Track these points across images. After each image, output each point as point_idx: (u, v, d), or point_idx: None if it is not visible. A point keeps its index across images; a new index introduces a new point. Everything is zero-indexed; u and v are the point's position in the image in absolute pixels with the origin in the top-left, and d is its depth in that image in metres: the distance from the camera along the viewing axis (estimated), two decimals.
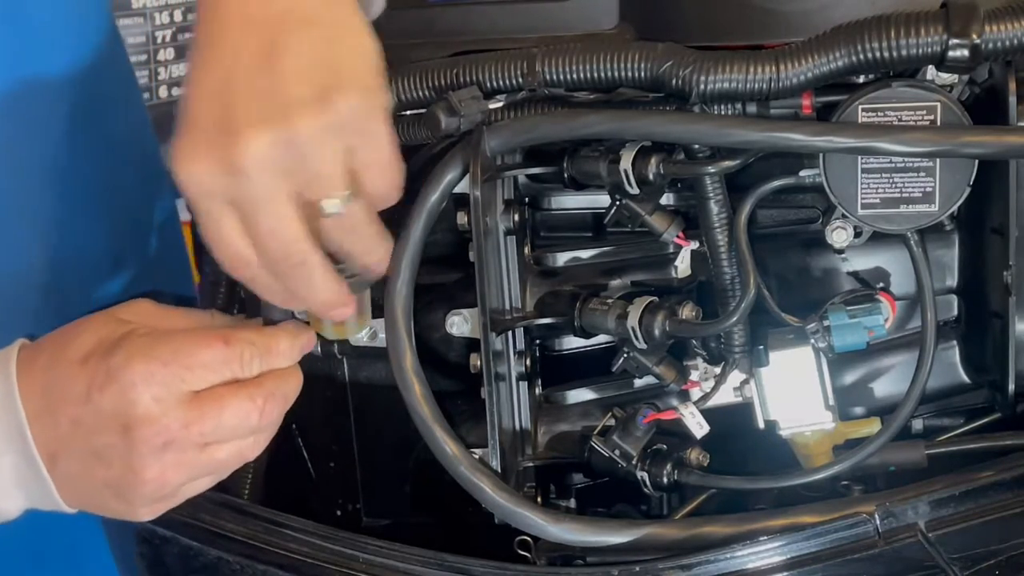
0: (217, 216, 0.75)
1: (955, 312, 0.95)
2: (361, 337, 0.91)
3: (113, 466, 0.78)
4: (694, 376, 0.93)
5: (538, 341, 0.97)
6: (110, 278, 1.02)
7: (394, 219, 0.82)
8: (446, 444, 0.85)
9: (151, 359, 0.77)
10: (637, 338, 0.89)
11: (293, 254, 0.76)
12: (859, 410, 0.94)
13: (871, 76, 0.85)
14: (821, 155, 0.85)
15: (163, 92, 2.11)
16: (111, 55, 1.02)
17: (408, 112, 0.91)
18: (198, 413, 0.77)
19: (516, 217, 0.91)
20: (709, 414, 0.91)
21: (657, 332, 0.88)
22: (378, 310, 0.88)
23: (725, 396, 0.92)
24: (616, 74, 0.86)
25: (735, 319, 0.87)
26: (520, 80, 0.88)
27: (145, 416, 0.76)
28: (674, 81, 0.84)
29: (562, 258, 0.96)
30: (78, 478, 0.80)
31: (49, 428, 0.78)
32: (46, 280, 0.95)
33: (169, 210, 1.14)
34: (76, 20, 0.96)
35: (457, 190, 0.88)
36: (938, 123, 0.83)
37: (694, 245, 0.92)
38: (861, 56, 0.81)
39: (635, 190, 0.88)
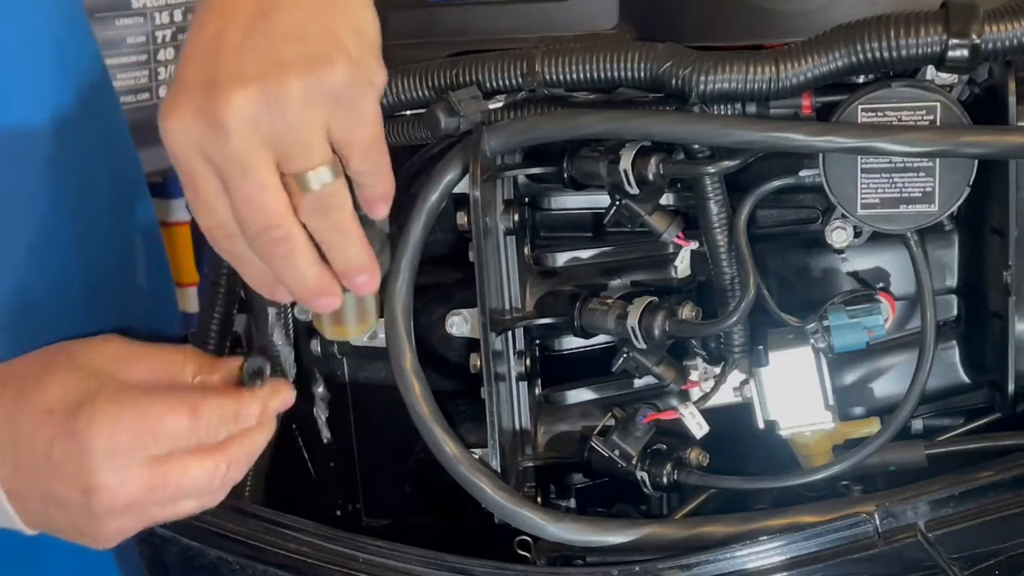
0: (199, 177, 0.73)
1: (955, 312, 0.95)
2: (361, 337, 0.91)
3: (73, 514, 0.78)
4: (694, 376, 0.93)
5: (538, 341, 0.97)
6: (85, 310, 0.99)
7: (394, 219, 0.82)
8: (446, 444, 0.85)
9: (115, 427, 0.75)
10: (637, 338, 0.89)
11: (274, 227, 0.73)
12: (859, 410, 0.94)
13: (871, 76, 0.85)
14: (821, 155, 0.85)
15: (163, 92, 2.11)
16: (86, 70, 1.00)
17: (408, 112, 0.91)
18: (161, 479, 0.76)
19: (516, 217, 0.91)
20: (709, 414, 0.91)
21: (657, 332, 0.88)
22: (378, 310, 0.88)
23: (725, 396, 0.92)
24: (616, 74, 0.86)
25: (735, 319, 0.87)
26: (520, 80, 0.88)
27: (105, 485, 0.76)
28: (674, 81, 0.84)
29: (562, 258, 0.96)
30: (39, 514, 0.79)
31: (11, 464, 0.78)
32: (15, 317, 0.92)
33: (148, 227, 1.12)
34: (50, 45, 0.94)
35: (457, 190, 0.88)
36: (938, 123, 0.83)
37: (694, 245, 0.92)
38: (861, 56, 0.81)
39: (635, 190, 0.88)
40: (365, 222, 0.77)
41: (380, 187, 0.77)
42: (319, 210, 0.74)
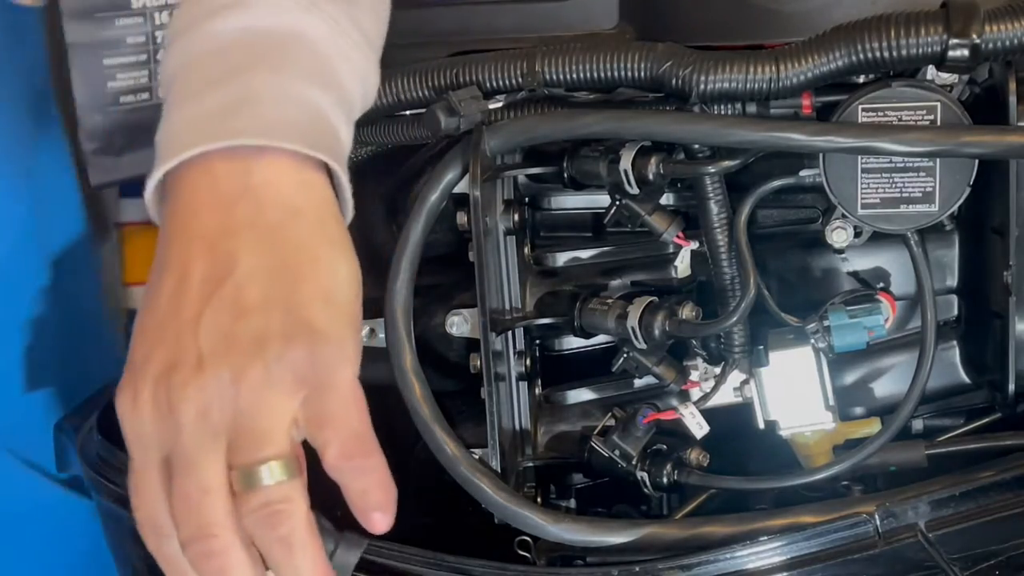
0: (144, 465, 0.66)
1: (955, 312, 0.95)
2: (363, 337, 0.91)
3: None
4: (694, 376, 0.93)
5: (538, 341, 0.97)
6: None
7: (394, 218, 0.82)
8: (446, 444, 0.85)
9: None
10: (637, 338, 0.89)
11: (209, 536, 0.64)
12: (859, 410, 0.94)
13: (871, 76, 0.85)
14: (821, 155, 0.85)
15: (163, 92, 2.11)
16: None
17: (408, 112, 0.91)
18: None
19: (516, 217, 0.91)
20: (709, 414, 0.91)
21: (657, 332, 0.88)
22: (378, 310, 0.88)
23: (725, 396, 0.92)
24: (616, 74, 0.86)
25: (735, 319, 0.87)
26: (520, 80, 0.88)
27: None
28: (674, 81, 0.84)
29: (562, 258, 0.96)
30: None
31: None
32: None
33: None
34: None
35: (457, 190, 0.88)
36: (938, 123, 0.83)
37: (694, 245, 0.92)
38: (861, 56, 0.81)
39: (635, 190, 0.88)
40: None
41: (372, 494, 0.67)
42: (265, 518, 0.64)
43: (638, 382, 0.95)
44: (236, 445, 0.64)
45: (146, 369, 0.65)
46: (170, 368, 0.65)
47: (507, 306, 0.91)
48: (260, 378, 0.64)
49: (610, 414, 0.92)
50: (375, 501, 0.67)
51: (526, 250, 0.95)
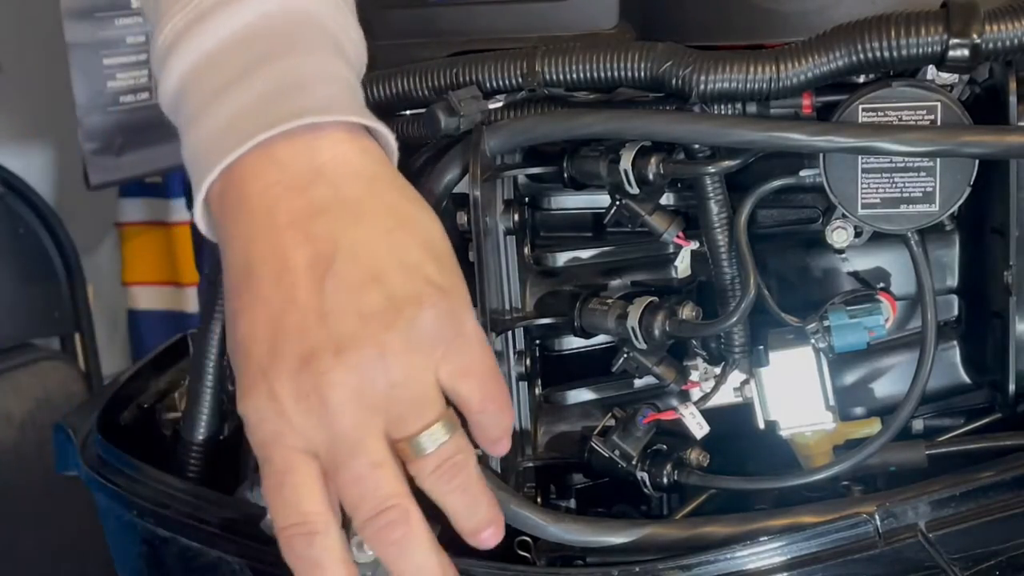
0: (293, 466, 0.65)
1: (955, 312, 0.94)
2: None
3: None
4: (694, 376, 0.93)
5: (538, 341, 0.97)
6: None
7: None
8: None
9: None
10: (637, 338, 0.89)
11: (390, 508, 0.65)
12: (859, 410, 0.94)
13: (871, 76, 0.85)
14: (821, 155, 0.84)
15: None
16: None
17: (408, 112, 0.91)
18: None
19: (516, 217, 0.91)
20: (709, 414, 0.91)
21: (657, 332, 0.88)
22: None
23: (725, 396, 0.92)
24: (616, 74, 0.86)
25: (735, 319, 0.87)
26: (520, 80, 0.88)
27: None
28: (674, 81, 0.84)
29: (562, 258, 0.96)
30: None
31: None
32: None
33: None
34: None
35: (457, 190, 0.88)
36: (938, 123, 0.83)
37: (694, 245, 0.92)
38: (861, 56, 0.81)
39: (635, 190, 0.88)
40: None
41: (504, 422, 0.70)
42: (442, 474, 0.67)
43: (638, 382, 0.95)
44: (397, 417, 0.65)
45: (278, 366, 0.64)
46: (307, 359, 0.64)
47: (507, 306, 0.91)
48: (402, 345, 0.65)
49: (610, 414, 0.92)
50: (505, 426, 0.70)
51: (526, 250, 0.95)
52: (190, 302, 2.62)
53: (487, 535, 0.71)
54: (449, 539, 0.85)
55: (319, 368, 0.64)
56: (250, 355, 0.66)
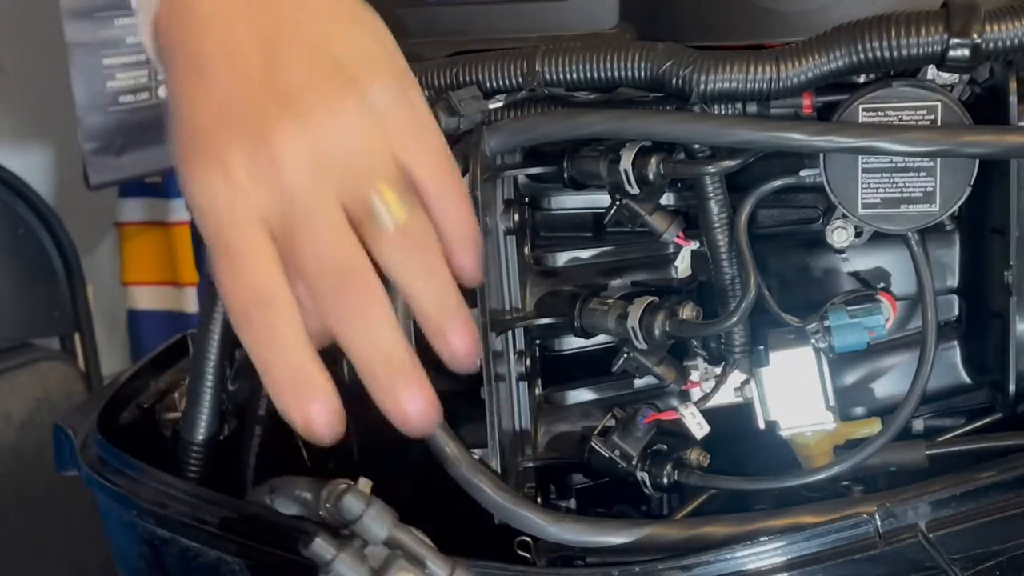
0: (241, 241, 0.63)
1: (956, 312, 0.94)
2: None
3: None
4: (694, 376, 0.93)
5: (538, 341, 0.97)
6: None
7: None
8: (446, 444, 0.85)
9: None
10: (637, 338, 0.89)
11: (350, 270, 0.62)
12: (860, 410, 0.94)
13: (871, 76, 0.85)
14: (821, 155, 0.85)
15: (163, 92, 2.11)
16: None
17: None
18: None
19: (516, 217, 0.91)
20: (709, 414, 0.91)
21: (657, 332, 0.88)
22: None
23: (725, 396, 0.92)
24: (616, 74, 0.86)
25: (735, 319, 0.87)
26: (520, 80, 0.88)
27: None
28: (674, 81, 0.84)
29: (562, 258, 0.96)
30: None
31: None
32: None
33: None
34: None
35: None
36: (939, 123, 0.83)
37: (694, 245, 0.92)
38: (861, 56, 0.81)
39: (635, 190, 0.88)
40: None
41: (464, 221, 0.67)
42: (401, 246, 0.64)
43: (638, 382, 0.95)
44: (352, 188, 0.63)
45: (228, 132, 0.63)
46: (259, 122, 0.62)
47: (507, 306, 0.91)
48: (356, 112, 0.64)
49: (610, 414, 0.92)
50: (467, 229, 0.67)
51: (526, 250, 0.95)
52: (190, 302, 2.62)
53: (457, 340, 0.66)
54: (449, 539, 0.85)
55: (272, 131, 0.62)
56: (196, 129, 0.64)
